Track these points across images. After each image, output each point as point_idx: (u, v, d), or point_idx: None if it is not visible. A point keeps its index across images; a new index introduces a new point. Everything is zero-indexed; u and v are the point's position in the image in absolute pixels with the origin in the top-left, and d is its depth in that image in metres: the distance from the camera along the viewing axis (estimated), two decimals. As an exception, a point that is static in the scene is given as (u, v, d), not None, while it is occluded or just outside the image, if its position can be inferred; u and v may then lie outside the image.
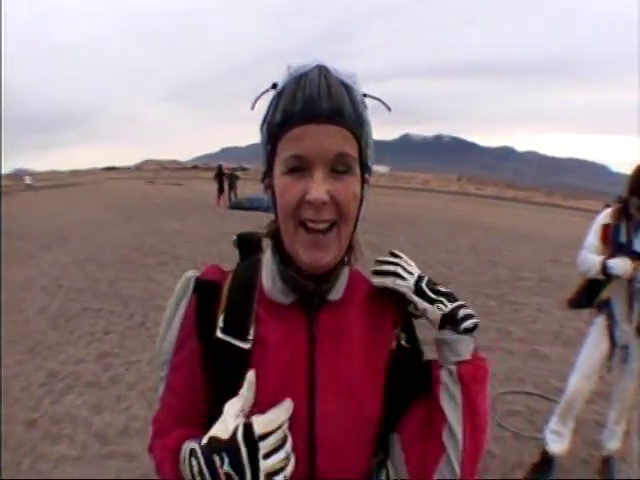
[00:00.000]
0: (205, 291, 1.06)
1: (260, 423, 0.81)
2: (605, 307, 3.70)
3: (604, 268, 3.49)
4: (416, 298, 1.09)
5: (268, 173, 1.01)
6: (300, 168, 0.92)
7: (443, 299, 1.08)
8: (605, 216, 3.65)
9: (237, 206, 22.22)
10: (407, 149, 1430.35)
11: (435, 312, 1.07)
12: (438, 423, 1.03)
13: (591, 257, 3.63)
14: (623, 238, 3.50)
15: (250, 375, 0.90)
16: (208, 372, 1.00)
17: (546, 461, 3.80)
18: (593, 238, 3.69)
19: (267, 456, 0.79)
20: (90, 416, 4.52)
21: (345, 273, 1.11)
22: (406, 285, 1.11)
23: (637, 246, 3.44)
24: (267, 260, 1.09)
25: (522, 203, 40.39)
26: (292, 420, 0.88)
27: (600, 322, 3.74)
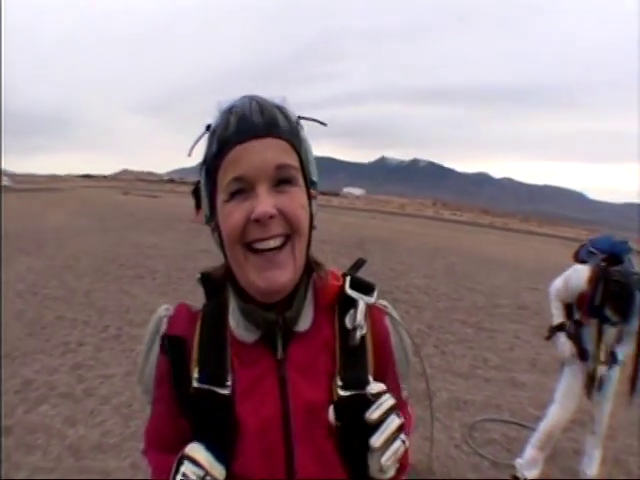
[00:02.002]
0: (174, 350, 1.01)
1: (191, 448, 0.91)
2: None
3: (552, 335, 3.92)
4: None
5: (211, 216, 1.01)
6: (241, 190, 0.91)
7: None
8: (581, 282, 3.68)
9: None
10: (383, 172, 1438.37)
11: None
12: None
13: (556, 313, 3.91)
14: (597, 301, 3.57)
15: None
16: (188, 419, 0.97)
17: None
18: (563, 290, 3.83)
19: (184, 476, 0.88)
20: (64, 428, 4.45)
21: (309, 299, 1.05)
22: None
23: (607, 313, 3.58)
24: (230, 298, 1.05)
25: (498, 229, 40.76)
26: (270, 472, 0.93)
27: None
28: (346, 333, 1.03)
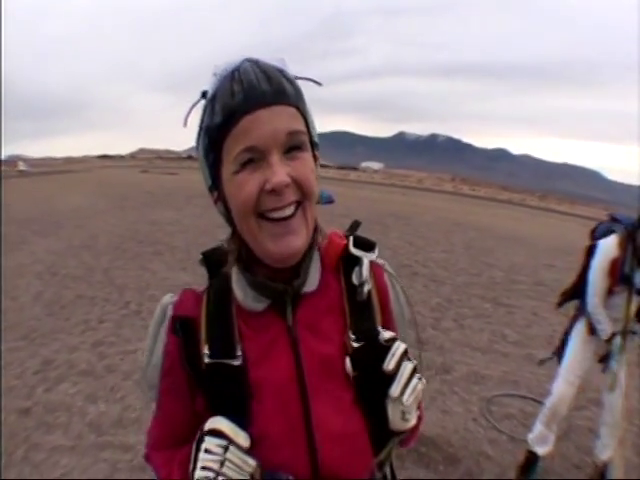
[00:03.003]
0: (184, 330, 1.03)
1: (210, 421, 0.94)
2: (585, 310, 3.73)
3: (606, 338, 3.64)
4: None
5: (214, 185, 1.00)
6: (252, 160, 0.90)
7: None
8: (612, 248, 3.55)
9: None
10: (401, 147, 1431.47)
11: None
12: None
13: (604, 321, 3.66)
14: (627, 269, 3.47)
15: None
16: (204, 395, 1.00)
17: (532, 462, 3.82)
18: (601, 278, 3.63)
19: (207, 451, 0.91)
20: (85, 405, 4.51)
21: (316, 260, 1.09)
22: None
23: (637, 279, 3.45)
24: (234, 272, 1.07)
25: (516, 206, 40.44)
26: (290, 433, 0.96)
27: (580, 328, 3.78)
28: (352, 289, 1.08)
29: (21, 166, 48.47)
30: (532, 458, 3.81)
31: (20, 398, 4.58)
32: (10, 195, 21.64)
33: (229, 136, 0.90)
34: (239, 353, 0.98)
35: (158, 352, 1.06)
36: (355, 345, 1.02)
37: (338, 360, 1.02)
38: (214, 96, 0.93)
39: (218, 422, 0.93)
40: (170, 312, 1.06)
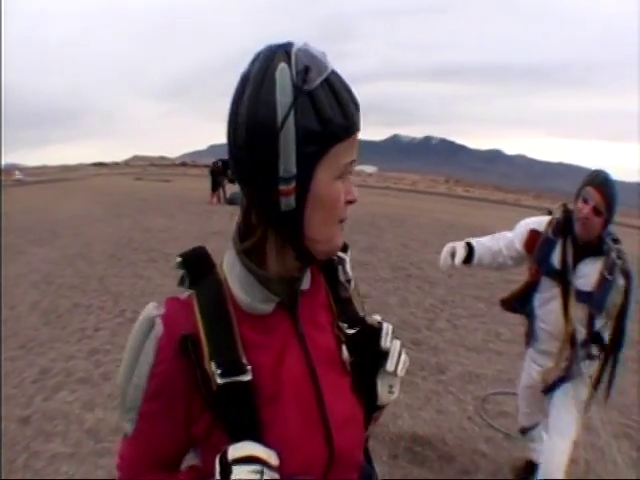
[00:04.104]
0: (188, 350, 0.94)
1: (236, 449, 0.88)
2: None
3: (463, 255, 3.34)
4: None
5: (301, 177, 0.89)
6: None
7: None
8: (537, 221, 3.20)
9: (232, 202, 21.98)
10: (396, 150, 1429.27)
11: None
12: None
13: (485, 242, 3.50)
14: (555, 260, 2.98)
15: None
16: (213, 416, 0.95)
17: (531, 467, 3.55)
18: (514, 238, 3.31)
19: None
20: (82, 413, 4.53)
21: None
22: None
23: (580, 280, 2.90)
24: (234, 273, 1.01)
25: (510, 206, 40.43)
26: (308, 431, 0.99)
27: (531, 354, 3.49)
28: (335, 284, 1.17)
29: (17, 175, 48.13)
30: (532, 466, 3.53)
31: (19, 407, 4.59)
32: (6, 205, 21.61)
33: (345, 142, 0.90)
34: (248, 366, 0.94)
35: (142, 372, 0.96)
36: (349, 332, 1.11)
37: (336, 350, 1.09)
38: (332, 88, 0.89)
39: (248, 448, 0.88)
40: (160, 327, 0.96)
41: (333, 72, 0.89)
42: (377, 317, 1.17)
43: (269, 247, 0.98)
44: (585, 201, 2.78)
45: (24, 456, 3.91)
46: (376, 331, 1.13)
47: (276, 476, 0.87)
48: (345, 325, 1.11)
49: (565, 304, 2.95)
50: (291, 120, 0.84)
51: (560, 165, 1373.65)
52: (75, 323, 6.84)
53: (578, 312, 2.92)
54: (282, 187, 0.88)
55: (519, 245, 3.26)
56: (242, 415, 0.93)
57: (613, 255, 2.78)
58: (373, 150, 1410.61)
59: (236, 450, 0.88)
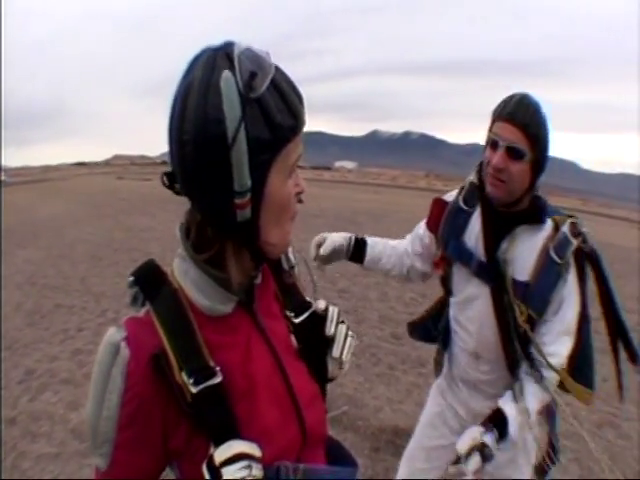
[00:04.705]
0: (160, 368, 0.92)
1: (222, 451, 0.90)
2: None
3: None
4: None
5: (255, 186, 0.88)
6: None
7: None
8: (451, 195, 2.29)
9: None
10: (375, 145, 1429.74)
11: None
12: None
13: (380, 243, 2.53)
14: (471, 239, 2.06)
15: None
16: (191, 424, 0.93)
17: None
18: (420, 224, 2.46)
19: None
20: (67, 413, 4.55)
21: None
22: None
23: (517, 273, 1.92)
24: (189, 279, 1.00)
25: (490, 199, 40.49)
26: (283, 419, 1.03)
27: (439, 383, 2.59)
28: (279, 273, 1.19)
29: (2, 176, 47.60)
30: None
31: (6, 408, 4.62)
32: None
33: (293, 141, 0.90)
34: (217, 368, 0.93)
35: (112, 402, 0.91)
36: (296, 321, 1.16)
37: (289, 338, 1.13)
38: (279, 89, 0.87)
39: (233, 447, 0.89)
40: (126, 350, 0.92)
41: (276, 69, 0.88)
42: (322, 302, 1.20)
43: (228, 256, 0.97)
44: (494, 145, 1.92)
45: (12, 456, 3.95)
46: (321, 318, 1.19)
47: (261, 467, 0.90)
48: (292, 314, 1.16)
49: (496, 304, 1.99)
50: (242, 133, 0.82)
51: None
52: (58, 324, 6.85)
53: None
54: (237, 201, 0.87)
55: (422, 228, 2.40)
56: (220, 416, 0.93)
57: (564, 229, 1.89)
58: (353, 146, 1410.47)
59: (222, 452, 0.88)
